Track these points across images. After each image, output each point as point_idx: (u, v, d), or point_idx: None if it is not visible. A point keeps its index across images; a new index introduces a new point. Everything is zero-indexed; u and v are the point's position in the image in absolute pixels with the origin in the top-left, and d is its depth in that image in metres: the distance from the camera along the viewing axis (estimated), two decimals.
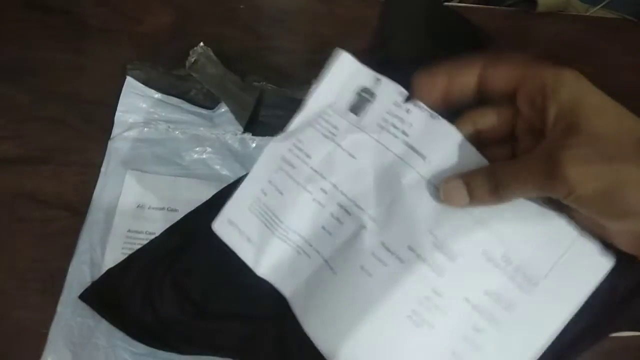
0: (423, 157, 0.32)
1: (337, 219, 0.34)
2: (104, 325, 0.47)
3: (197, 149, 0.55)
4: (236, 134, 0.56)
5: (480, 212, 0.30)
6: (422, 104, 0.32)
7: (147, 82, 0.57)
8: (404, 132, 0.33)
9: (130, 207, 0.51)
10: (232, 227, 0.40)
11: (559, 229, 0.29)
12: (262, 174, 0.38)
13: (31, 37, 0.61)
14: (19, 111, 0.56)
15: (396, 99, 0.33)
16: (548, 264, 0.29)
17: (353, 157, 0.34)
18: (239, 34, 0.62)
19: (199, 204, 0.51)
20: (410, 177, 0.32)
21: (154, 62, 0.58)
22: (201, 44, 0.57)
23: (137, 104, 0.56)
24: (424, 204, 0.31)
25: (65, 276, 0.48)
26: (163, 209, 0.52)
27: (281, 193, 0.36)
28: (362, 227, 0.33)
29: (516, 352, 0.30)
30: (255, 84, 0.58)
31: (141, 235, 0.50)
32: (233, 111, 0.56)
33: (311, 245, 0.36)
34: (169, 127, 0.55)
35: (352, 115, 0.35)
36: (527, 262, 0.30)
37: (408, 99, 0.33)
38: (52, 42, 0.60)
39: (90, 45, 0.60)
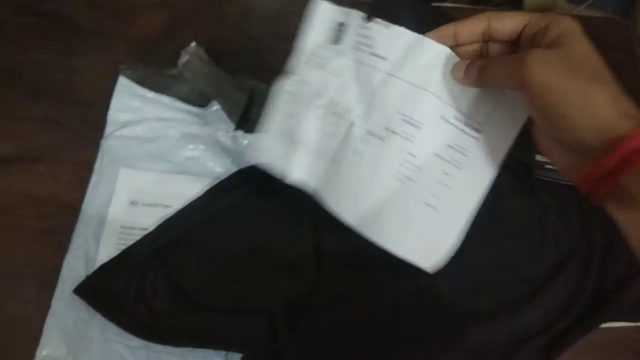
0: (384, 58, 0.41)
1: (334, 125, 0.43)
2: (99, 319, 0.47)
3: (190, 146, 0.55)
4: (228, 132, 0.56)
5: (436, 90, 0.39)
6: (377, 20, 0.41)
7: (139, 82, 0.58)
8: (369, 46, 0.41)
9: (123, 203, 0.52)
10: (261, 152, 0.47)
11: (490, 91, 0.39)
12: (276, 109, 0.46)
13: (25, 40, 0.62)
14: (13, 112, 0.57)
15: (360, 23, 0.42)
16: (485, 115, 0.39)
17: (339, 76, 0.43)
18: (230, 34, 0.63)
19: (191, 200, 0.52)
20: (378, 77, 0.41)
21: (146, 63, 0.59)
22: (193, 43, 0.58)
23: (129, 103, 0.56)
24: (391, 94, 0.41)
25: (59, 271, 0.49)
26: (156, 205, 0.53)
27: (291, 117, 0.45)
28: (352, 124, 0.42)
29: (476, 184, 0.40)
30: (247, 82, 0.59)
31: (134, 231, 0.51)
32: (225, 109, 0.57)
33: (320, 150, 0.44)
34: (161, 125, 0.56)
35: (334, 47, 0.44)
36: (471, 117, 0.39)
37: (369, 19, 0.41)
38: (46, 44, 0.61)
39: (82, 47, 0.61)
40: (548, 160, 0.57)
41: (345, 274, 0.50)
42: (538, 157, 0.58)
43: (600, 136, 0.29)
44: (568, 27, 0.32)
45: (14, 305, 0.48)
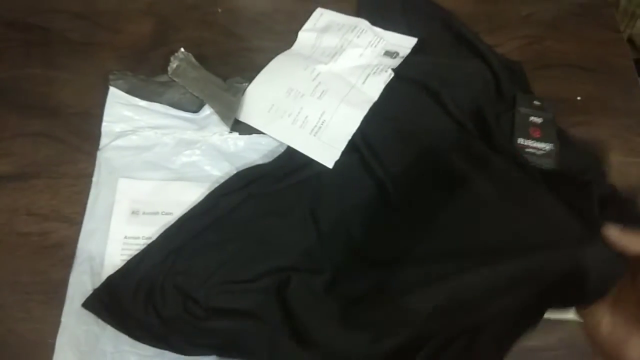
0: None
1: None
2: (110, 332, 0.47)
3: (186, 152, 0.56)
4: (223, 135, 0.57)
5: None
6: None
7: (130, 91, 0.57)
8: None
9: (124, 214, 0.52)
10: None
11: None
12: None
13: (13, 56, 0.61)
14: (6, 129, 0.57)
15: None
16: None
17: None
18: (218, 37, 0.63)
19: (192, 205, 0.53)
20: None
21: (136, 71, 0.59)
22: (182, 49, 0.58)
23: (122, 113, 0.56)
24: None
25: (66, 287, 0.49)
26: (157, 213, 0.53)
27: None
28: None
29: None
30: (238, 84, 0.59)
31: (138, 241, 0.51)
32: (218, 112, 0.57)
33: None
34: (156, 133, 0.56)
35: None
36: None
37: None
38: (35, 59, 0.61)
39: (71, 59, 0.61)
40: (528, 144, 0.57)
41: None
42: (520, 141, 0.57)
43: None
44: None
45: (25, 324, 0.48)
